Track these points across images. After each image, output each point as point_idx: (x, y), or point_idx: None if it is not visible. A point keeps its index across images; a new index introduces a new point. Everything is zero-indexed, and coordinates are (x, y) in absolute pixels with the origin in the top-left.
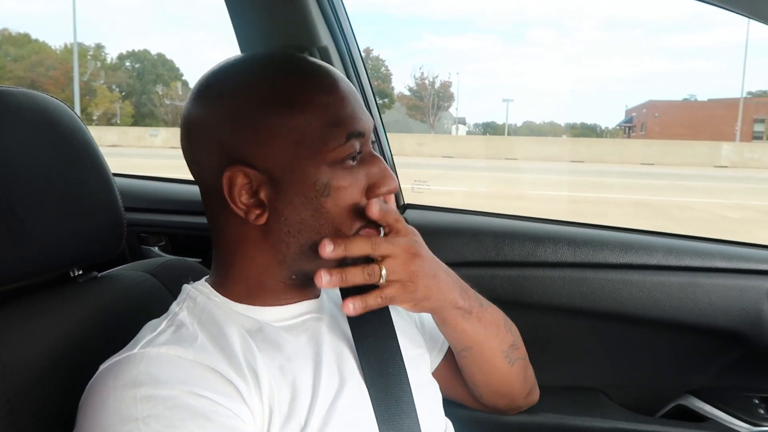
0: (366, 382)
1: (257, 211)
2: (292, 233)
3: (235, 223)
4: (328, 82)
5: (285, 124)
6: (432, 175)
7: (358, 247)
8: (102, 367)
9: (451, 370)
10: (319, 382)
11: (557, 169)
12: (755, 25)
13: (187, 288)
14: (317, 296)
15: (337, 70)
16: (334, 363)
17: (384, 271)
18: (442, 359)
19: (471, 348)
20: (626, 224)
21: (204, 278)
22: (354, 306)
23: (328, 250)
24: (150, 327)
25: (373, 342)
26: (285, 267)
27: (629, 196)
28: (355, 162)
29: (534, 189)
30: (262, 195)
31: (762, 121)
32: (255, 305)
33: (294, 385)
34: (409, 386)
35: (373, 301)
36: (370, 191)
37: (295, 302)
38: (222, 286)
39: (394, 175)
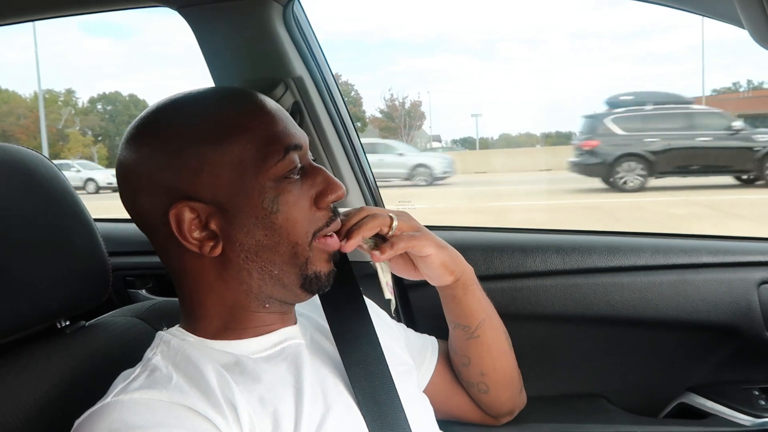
0: (359, 406)
1: (211, 243)
2: (251, 257)
3: (192, 260)
4: (256, 106)
5: (224, 153)
6: (397, 194)
7: (367, 227)
8: (77, 421)
9: (444, 381)
10: (301, 410)
11: (522, 180)
12: (714, 26)
13: (161, 334)
14: (295, 322)
15: (262, 95)
16: (318, 388)
17: (395, 223)
18: (432, 375)
19: (485, 321)
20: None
21: (176, 325)
22: (381, 254)
23: (342, 244)
24: (123, 376)
25: (364, 368)
26: (253, 297)
27: (583, 201)
28: (298, 176)
29: (494, 201)
30: (213, 225)
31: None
32: (231, 339)
33: (275, 416)
34: (402, 408)
35: (402, 243)
36: (319, 200)
37: (272, 331)
38: (194, 327)
39: (339, 182)
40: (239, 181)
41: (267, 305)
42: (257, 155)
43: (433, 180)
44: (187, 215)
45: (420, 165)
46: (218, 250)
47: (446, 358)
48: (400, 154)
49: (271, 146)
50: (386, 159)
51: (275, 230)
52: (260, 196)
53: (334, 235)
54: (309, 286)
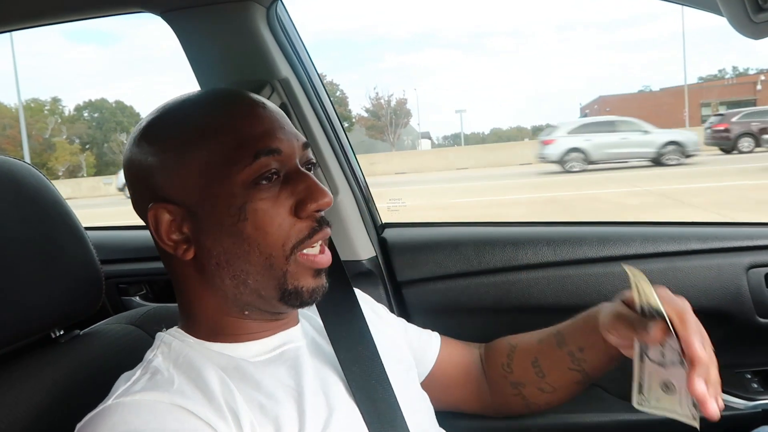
0: (359, 407)
1: (184, 246)
2: (221, 264)
3: (174, 262)
4: (237, 108)
5: (192, 155)
6: (373, 193)
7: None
8: (79, 425)
9: (445, 375)
10: (304, 415)
11: (498, 175)
12: (697, 14)
13: (161, 335)
14: (296, 324)
15: (259, 96)
16: (320, 392)
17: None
18: (432, 368)
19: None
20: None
21: (176, 326)
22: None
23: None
24: (124, 378)
25: (360, 367)
26: (231, 303)
27: (547, 194)
28: (273, 182)
29: (463, 197)
30: (185, 229)
31: (708, 105)
32: (229, 342)
33: (277, 421)
34: (399, 406)
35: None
36: (299, 209)
37: (272, 334)
38: (191, 329)
39: (326, 189)
40: (206, 186)
41: (246, 312)
42: (225, 159)
43: (683, 159)
44: (165, 217)
45: (671, 143)
46: (190, 254)
47: (449, 354)
48: (646, 132)
49: (241, 150)
50: (631, 137)
51: (244, 239)
52: (227, 202)
53: (327, 250)
54: (288, 300)
